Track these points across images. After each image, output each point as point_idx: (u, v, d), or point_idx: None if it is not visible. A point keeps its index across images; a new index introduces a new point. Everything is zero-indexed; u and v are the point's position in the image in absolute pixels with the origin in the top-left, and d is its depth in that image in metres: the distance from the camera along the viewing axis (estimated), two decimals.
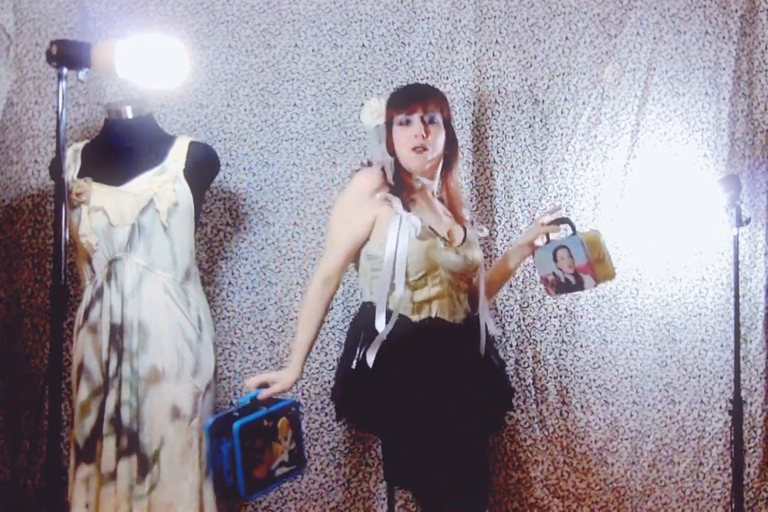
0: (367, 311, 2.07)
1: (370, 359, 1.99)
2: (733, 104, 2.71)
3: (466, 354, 2.07)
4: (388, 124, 2.12)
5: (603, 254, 2.09)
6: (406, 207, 2.03)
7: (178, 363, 2.18)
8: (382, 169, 2.09)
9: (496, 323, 2.58)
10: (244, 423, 2.01)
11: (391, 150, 2.12)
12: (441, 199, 2.20)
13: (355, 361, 2.03)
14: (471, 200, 2.66)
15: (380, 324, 2.00)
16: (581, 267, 2.05)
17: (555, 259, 2.09)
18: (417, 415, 1.96)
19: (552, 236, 2.14)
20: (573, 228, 2.11)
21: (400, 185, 2.07)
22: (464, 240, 2.11)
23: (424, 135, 2.06)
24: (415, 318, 2.04)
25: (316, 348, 2.59)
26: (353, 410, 2.09)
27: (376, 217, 2.03)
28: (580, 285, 2.07)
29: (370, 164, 2.14)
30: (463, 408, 1.99)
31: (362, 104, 2.60)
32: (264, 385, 2.08)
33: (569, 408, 2.68)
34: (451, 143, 2.15)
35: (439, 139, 2.10)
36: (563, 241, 2.09)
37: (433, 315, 2.04)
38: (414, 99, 2.09)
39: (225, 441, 1.99)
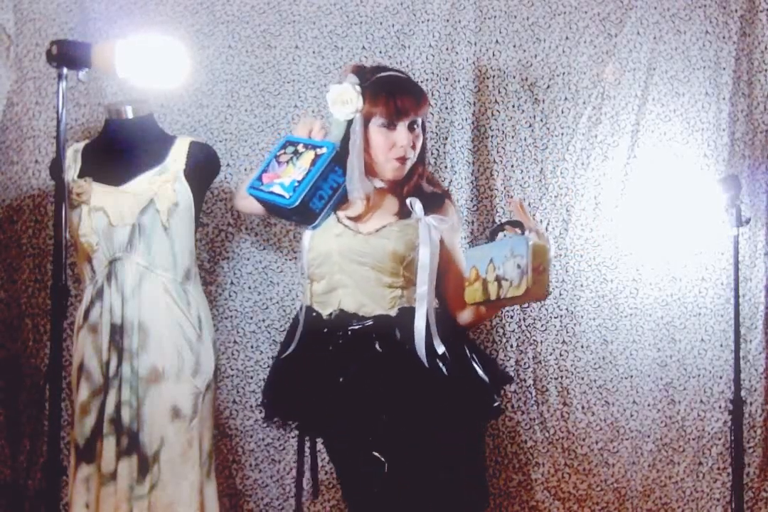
0: (300, 311, 2.04)
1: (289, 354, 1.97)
2: (733, 104, 2.71)
3: (382, 349, 1.90)
4: (366, 119, 1.90)
5: (544, 267, 1.79)
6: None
7: (179, 363, 2.18)
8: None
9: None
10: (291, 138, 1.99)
11: (365, 151, 1.91)
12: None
13: (277, 359, 2.04)
14: (471, 200, 2.66)
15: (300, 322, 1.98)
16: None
17: (493, 259, 1.83)
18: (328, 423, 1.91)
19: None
20: (523, 232, 1.87)
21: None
22: (380, 229, 1.92)
23: (412, 144, 1.91)
24: (325, 312, 1.96)
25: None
26: (278, 410, 2.04)
27: None
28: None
29: None
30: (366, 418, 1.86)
31: None
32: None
33: (570, 410, 2.68)
34: (423, 143, 1.98)
35: (419, 144, 1.95)
36: (510, 239, 1.84)
37: (336, 308, 1.94)
38: (404, 102, 1.88)
39: (338, 174, 1.91)
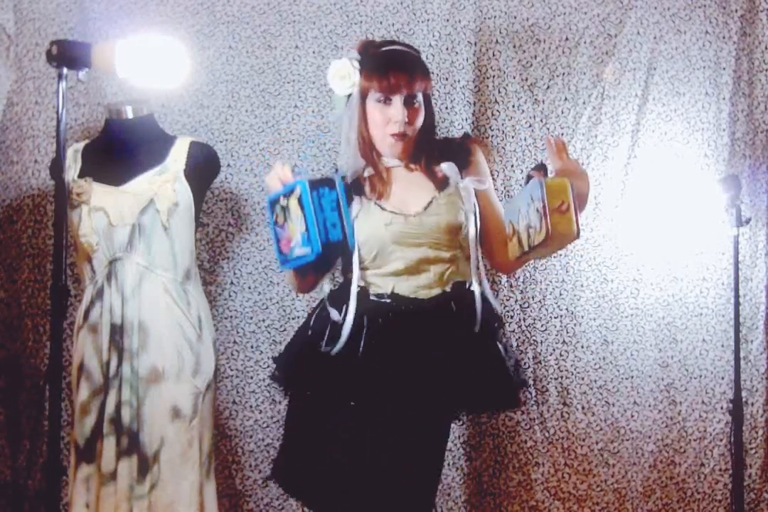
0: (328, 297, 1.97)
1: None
2: (734, 104, 2.71)
3: (431, 335, 1.88)
4: (363, 95, 1.89)
5: (567, 205, 1.68)
6: (359, 194, 1.91)
7: (179, 363, 2.18)
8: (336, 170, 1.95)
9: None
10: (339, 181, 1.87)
11: (364, 128, 1.91)
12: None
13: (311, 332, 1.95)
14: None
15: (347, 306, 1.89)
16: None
17: (520, 210, 1.77)
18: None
19: None
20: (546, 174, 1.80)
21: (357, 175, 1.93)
22: (428, 207, 1.89)
23: (407, 120, 1.86)
24: (378, 292, 1.91)
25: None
26: (297, 380, 1.97)
27: None
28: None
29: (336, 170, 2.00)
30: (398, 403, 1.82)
31: None
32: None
33: (570, 410, 2.67)
34: (429, 119, 1.94)
35: (419, 120, 1.90)
36: (528, 185, 1.76)
37: (389, 291, 1.89)
38: (397, 75, 1.84)
39: (327, 194, 1.84)
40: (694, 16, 2.70)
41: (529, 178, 1.80)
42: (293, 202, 1.84)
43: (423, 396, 1.85)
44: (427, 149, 1.96)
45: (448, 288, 1.91)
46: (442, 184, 1.94)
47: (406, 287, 1.90)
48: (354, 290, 1.90)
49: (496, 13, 2.68)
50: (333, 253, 1.91)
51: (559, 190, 1.67)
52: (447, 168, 1.94)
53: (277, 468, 2.03)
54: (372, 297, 1.91)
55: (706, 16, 2.70)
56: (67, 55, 1.90)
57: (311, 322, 1.98)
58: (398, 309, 1.89)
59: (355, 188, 1.92)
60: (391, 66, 1.87)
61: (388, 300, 1.90)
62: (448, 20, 2.66)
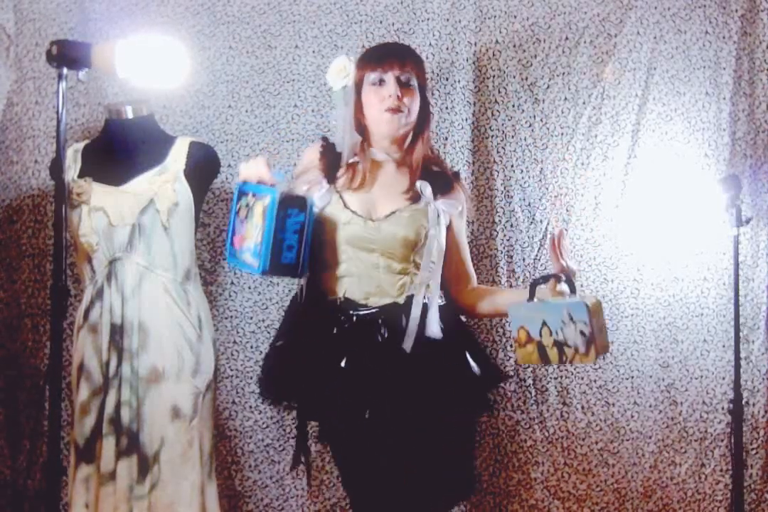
0: (300, 292, 2.02)
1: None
2: (734, 104, 2.70)
3: (382, 342, 1.90)
4: (358, 85, 1.97)
5: (603, 323, 1.84)
6: (334, 182, 1.95)
7: (179, 363, 2.19)
8: (322, 145, 2.00)
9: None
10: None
11: (360, 115, 1.97)
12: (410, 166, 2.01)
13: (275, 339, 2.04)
14: (471, 200, 2.64)
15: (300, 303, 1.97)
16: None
17: (547, 322, 1.80)
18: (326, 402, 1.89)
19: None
20: (572, 288, 1.85)
21: (335, 162, 1.96)
22: (390, 216, 1.92)
23: (399, 95, 1.91)
24: (330, 297, 1.95)
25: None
26: (273, 387, 2.03)
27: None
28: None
29: (325, 139, 2.04)
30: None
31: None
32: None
33: (570, 409, 2.67)
34: (424, 111, 1.99)
35: (414, 105, 1.95)
36: (564, 302, 1.80)
37: (341, 296, 1.93)
38: (389, 56, 1.94)
39: (294, 215, 1.82)
40: (694, 16, 2.70)
41: (535, 283, 1.85)
42: (259, 208, 1.82)
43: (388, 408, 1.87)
44: (419, 145, 1.99)
45: (400, 300, 1.93)
46: (414, 196, 1.97)
47: (358, 292, 1.92)
48: (303, 292, 1.95)
49: (496, 13, 2.67)
50: (281, 275, 1.91)
51: (596, 310, 1.79)
52: (421, 185, 1.98)
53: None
54: (326, 301, 1.94)
55: (706, 16, 2.70)
56: (67, 55, 1.90)
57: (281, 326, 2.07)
58: (348, 313, 1.91)
59: (329, 177, 1.96)
60: (382, 50, 2.02)
61: (340, 305, 1.92)
62: (448, 20, 2.66)
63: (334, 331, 1.92)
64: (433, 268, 1.95)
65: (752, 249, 2.71)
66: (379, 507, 1.91)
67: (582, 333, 1.75)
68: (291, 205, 1.81)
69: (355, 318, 1.91)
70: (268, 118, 2.63)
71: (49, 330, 1.91)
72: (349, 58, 1.98)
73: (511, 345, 2.65)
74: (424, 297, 1.93)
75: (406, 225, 1.93)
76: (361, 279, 1.93)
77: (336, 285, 1.95)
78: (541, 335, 1.81)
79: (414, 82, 1.95)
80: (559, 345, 1.79)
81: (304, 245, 1.83)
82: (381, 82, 1.93)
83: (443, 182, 2.02)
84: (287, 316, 2.09)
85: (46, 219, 2.55)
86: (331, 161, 1.99)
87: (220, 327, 2.58)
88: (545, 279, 1.88)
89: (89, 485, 2.16)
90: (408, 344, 1.89)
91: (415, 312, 1.90)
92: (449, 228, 2.01)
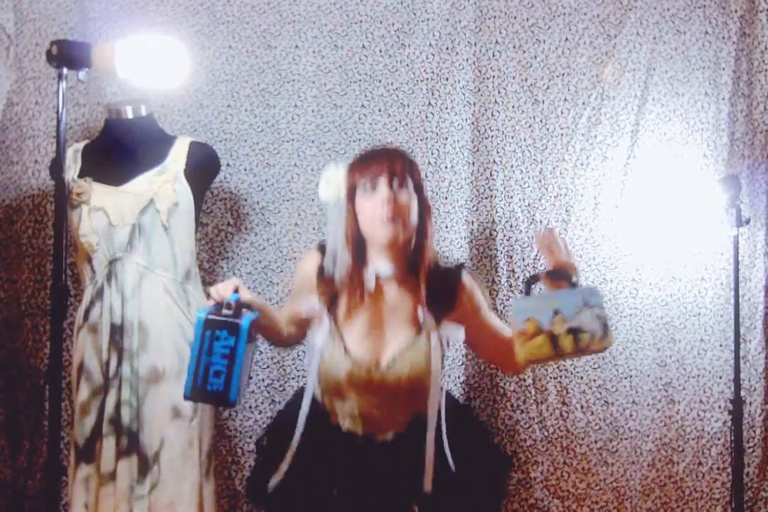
0: (298, 393, 1.99)
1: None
2: (733, 104, 2.71)
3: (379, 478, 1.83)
4: (350, 194, 1.82)
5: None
6: (334, 310, 1.84)
7: (179, 363, 2.18)
8: (319, 257, 1.88)
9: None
10: (251, 320, 1.74)
11: (355, 229, 1.82)
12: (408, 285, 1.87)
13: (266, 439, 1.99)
14: (471, 200, 2.66)
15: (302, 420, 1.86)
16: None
17: (561, 310, 1.75)
18: None
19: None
20: (572, 283, 1.82)
21: (332, 280, 1.84)
22: (393, 361, 1.83)
23: (394, 200, 1.77)
24: (333, 419, 1.90)
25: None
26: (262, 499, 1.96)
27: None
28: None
29: (321, 249, 1.90)
30: None
31: (362, 106, 2.63)
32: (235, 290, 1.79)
33: (569, 409, 2.68)
34: (423, 214, 1.83)
35: (413, 211, 1.80)
36: (579, 289, 1.78)
37: (345, 426, 1.88)
38: (377, 159, 1.81)
39: (224, 338, 1.72)
40: (694, 17, 2.70)
41: (531, 280, 1.82)
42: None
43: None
44: (424, 254, 1.85)
45: (406, 433, 1.87)
46: (420, 323, 1.86)
47: (363, 425, 1.87)
48: (306, 412, 1.87)
49: (496, 13, 2.68)
50: (208, 402, 1.82)
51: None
52: (422, 314, 1.85)
53: None
54: (329, 424, 1.89)
55: (706, 16, 2.70)
56: (67, 55, 1.90)
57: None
58: (352, 444, 1.86)
59: (330, 306, 1.85)
60: (372, 154, 1.86)
61: (343, 432, 1.87)
62: (448, 20, 2.66)
63: (335, 459, 1.86)
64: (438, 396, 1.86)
65: (749, 249, 2.72)
66: None
67: (598, 316, 1.74)
68: (220, 327, 1.70)
69: (360, 450, 1.86)
70: (268, 118, 2.63)
71: (49, 330, 1.91)
72: (338, 167, 1.86)
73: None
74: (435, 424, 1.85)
75: (410, 366, 1.83)
76: (366, 413, 1.86)
77: (339, 414, 1.89)
78: (552, 324, 1.76)
79: (409, 184, 1.81)
80: (574, 332, 1.75)
81: (233, 373, 1.70)
82: (373, 187, 1.78)
83: (449, 293, 1.88)
84: (282, 421, 2.02)
85: (46, 219, 2.55)
86: (328, 279, 1.87)
87: None
88: (537, 278, 1.84)
89: (89, 485, 2.16)
90: (428, 484, 1.82)
91: (429, 452, 1.82)
92: (476, 316, 1.91)
